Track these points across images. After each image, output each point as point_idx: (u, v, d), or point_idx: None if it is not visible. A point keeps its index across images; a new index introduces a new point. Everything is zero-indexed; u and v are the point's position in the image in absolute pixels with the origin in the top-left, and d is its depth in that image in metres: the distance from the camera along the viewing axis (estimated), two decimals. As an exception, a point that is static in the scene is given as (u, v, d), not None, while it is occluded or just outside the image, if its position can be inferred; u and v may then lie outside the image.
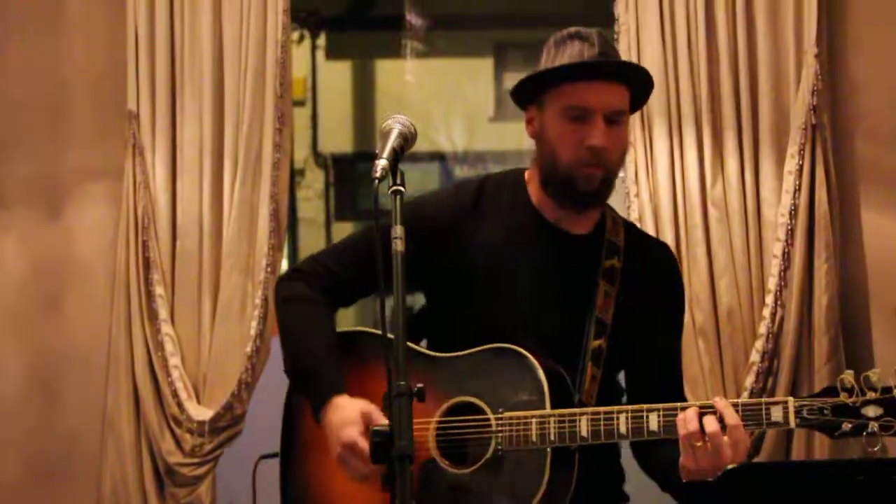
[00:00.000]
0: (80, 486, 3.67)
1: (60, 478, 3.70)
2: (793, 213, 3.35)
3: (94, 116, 3.72)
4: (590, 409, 2.22)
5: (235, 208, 3.54)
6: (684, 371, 3.37)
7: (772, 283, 3.35)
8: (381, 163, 1.99)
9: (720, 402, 2.15)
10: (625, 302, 2.39)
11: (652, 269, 2.45)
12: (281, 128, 3.56)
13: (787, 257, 3.35)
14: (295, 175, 5.70)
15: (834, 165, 3.40)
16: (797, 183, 3.35)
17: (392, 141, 2.04)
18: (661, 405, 2.19)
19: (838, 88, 3.47)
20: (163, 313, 3.53)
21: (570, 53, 2.33)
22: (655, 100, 3.43)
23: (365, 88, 6.51)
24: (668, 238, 3.41)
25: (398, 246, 1.92)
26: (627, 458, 2.47)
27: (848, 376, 2.13)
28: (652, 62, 3.44)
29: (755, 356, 3.36)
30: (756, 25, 3.42)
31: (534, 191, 2.42)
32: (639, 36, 3.46)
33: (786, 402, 2.13)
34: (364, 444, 2.21)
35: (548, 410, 2.22)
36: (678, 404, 2.18)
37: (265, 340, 3.53)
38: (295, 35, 5.34)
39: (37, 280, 3.72)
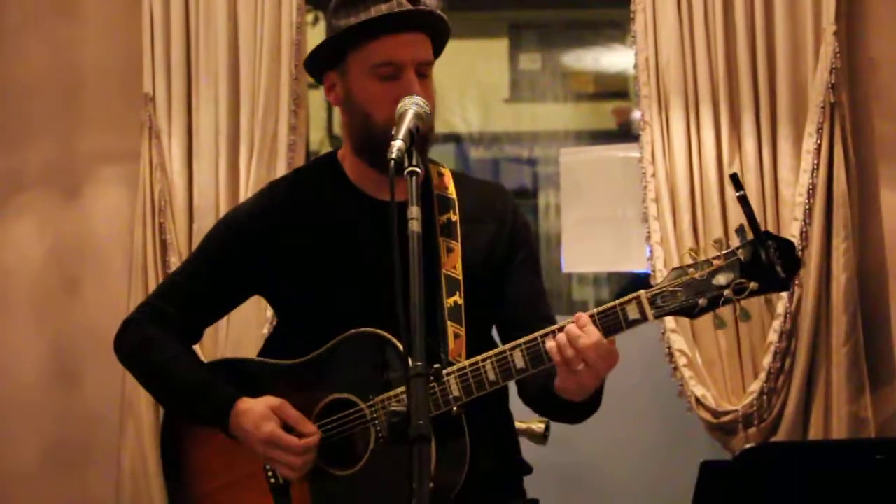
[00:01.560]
0: (99, 469, 3.69)
1: (80, 460, 3.72)
2: (811, 193, 3.34)
3: (110, 100, 3.73)
4: (455, 367, 2.15)
5: (251, 190, 3.54)
6: (702, 351, 3.40)
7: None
8: (398, 144, 1.96)
9: (581, 319, 2.07)
10: (471, 253, 2.30)
11: (490, 214, 2.36)
12: (296, 110, 3.56)
13: (805, 237, 3.34)
14: (310, 157, 5.71)
15: (852, 144, 3.38)
16: (815, 162, 3.34)
17: (407, 122, 2.03)
18: (521, 340, 2.12)
19: (857, 67, 3.45)
20: (180, 296, 3.54)
21: (367, 11, 2.21)
22: (672, 79, 3.42)
23: (380, 70, 6.49)
24: (684, 219, 3.40)
25: (414, 227, 1.89)
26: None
27: (691, 252, 2.07)
28: (669, 41, 3.42)
29: (773, 336, 3.36)
30: (774, 3, 3.39)
31: (350, 167, 2.32)
32: (655, 15, 3.44)
33: (638, 297, 2.06)
34: (286, 435, 2.18)
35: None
36: (536, 334, 2.11)
37: (272, 321, 3.53)
38: (310, 17, 5.33)
39: (55, 263, 3.74)
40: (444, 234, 2.30)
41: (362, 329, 2.21)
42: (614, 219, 3.89)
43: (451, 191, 2.35)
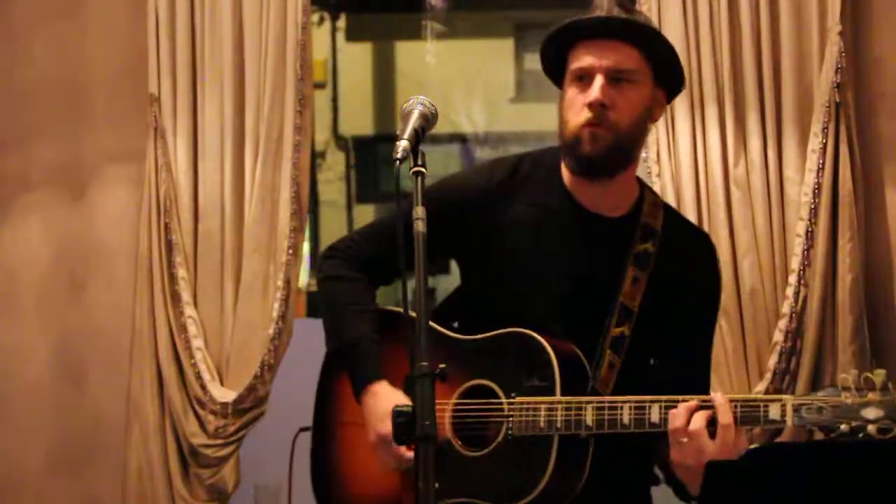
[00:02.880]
0: (105, 468, 3.69)
1: (85, 460, 3.73)
2: (816, 192, 3.33)
3: (116, 100, 3.73)
4: (596, 399, 2.19)
5: (257, 191, 3.55)
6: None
7: (795, 262, 3.34)
8: (403, 144, 1.97)
9: (718, 399, 2.11)
10: (655, 289, 2.32)
11: (688, 258, 2.37)
12: (302, 110, 3.56)
13: (810, 236, 3.33)
14: (316, 157, 5.72)
15: (858, 144, 3.38)
16: (821, 161, 3.33)
17: (413, 122, 2.03)
18: (664, 397, 2.14)
19: (862, 66, 3.44)
20: (185, 296, 3.55)
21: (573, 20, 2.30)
22: (677, 79, 3.41)
23: (385, 70, 6.51)
24: (690, 218, 3.40)
25: (419, 227, 1.91)
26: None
27: (849, 376, 2.09)
28: (674, 40, 3.39)
29: (778, 336, 3.35)
30: (779, 3, 3.39)
31: (566, 172, 2.38)
32: (660, 14, 3.44)
33: (783, 401, 2.09)
34: (398, 447, 2.21)
35: (557, 397, 2.20)
36: (681, 396, 2.14)
37: (287, 322, 3.54)
38: (315, 17, 5.34)
39: (60, 263, 3.75)
40: (635, 262, 2.32)
41: (532, 332, 2.26)
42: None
43: (658, 222, 2.37)
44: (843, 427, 2.07)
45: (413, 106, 2.07)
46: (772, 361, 3.35)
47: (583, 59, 2.27)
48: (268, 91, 3.55)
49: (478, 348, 2.32)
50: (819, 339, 3.35)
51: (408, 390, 1.88)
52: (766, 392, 3.34)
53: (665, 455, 2.22)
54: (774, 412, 2.09)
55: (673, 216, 2.44)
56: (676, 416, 2.11)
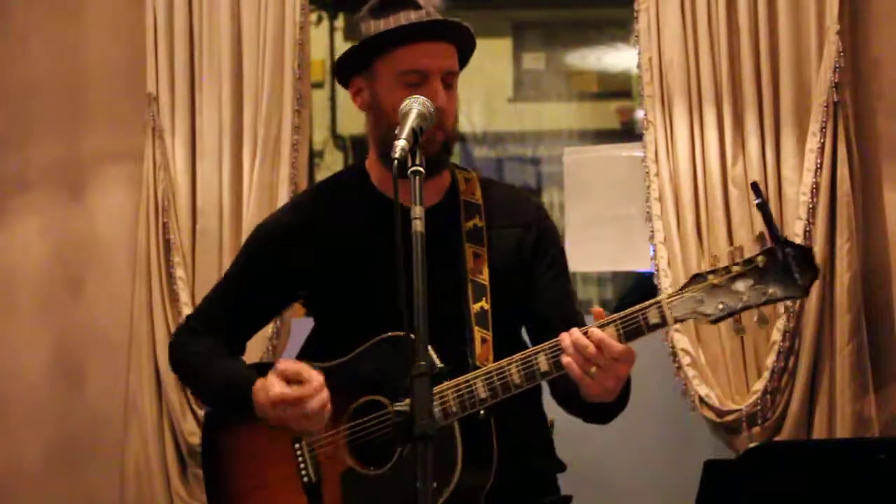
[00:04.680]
0: (103, 468, 3.69)
1: (84, 459, 3.73)
2: (814, 192, 3.34)
3: (114, 100, 3.73)
4: (482, 371, 2.19)
5: (255, 190, 3.55)
6: (705, 350, 3.39)
7: (793, 262, 3.33)
8: (401, 143, 1.98)
9: (594, 327, 2.11)
10: (497, 258, 2.34)
11: (516, 219, 2.40)
12: (300, 109, 3.56)
13: (808, 236, 3.33)
14: (314, 157, 5.71)
15: (856, 143, 3.38)
16: (819, 161, 3.33)
17: (411, 121, 2.04)
18: (545, 344, 2.15)
19: (860, 66, 3.45)
20: (183, 295, 3.55)
21: (397, 18, 2.27)
22: (675, 78, 3.42)
23: (383, 70, 6.49)
24: (688, 218, 3.40)
25: (417, 226, 1.91)
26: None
27: (712, 259, 2.10)
28: (672, 41, 3.42)
29: (776, 335, 3.35)
30: (777, 2, 3.39)
31: (375, 175, 2.37)
32: (658, 14, 3.44)
33: (659, 303, 2.09)
34: (289, 390, 2.21)
35: (444, 384, 2.18)
36: (558, 340, 2.13)
37: (285, 322, 3.54)
38: (313, 17, 5.33)
39: (59, 262, 3.75)
40: (470, 239, 2.35)
41: (392, 333, 2.25)
42: (618, 218, 3.89)
43: (478, 196, 2.39)
44: (720, 307, 2.07)
45: (411, 105, 2.08)
46: (770, 360, 3.36)
47: (419, 62, 2.25)
48: (266, 90, 3.55)
49: (350, 368, 2.30)
50: (817, 338, 3.35)
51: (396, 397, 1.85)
52: (765, 392, 3.34)
53: (569, 392, 2.22)
54: (654, 317, 2.10)
55: (488, 185, 2.43)
56: (575, 356, 2.10)
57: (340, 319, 2.37)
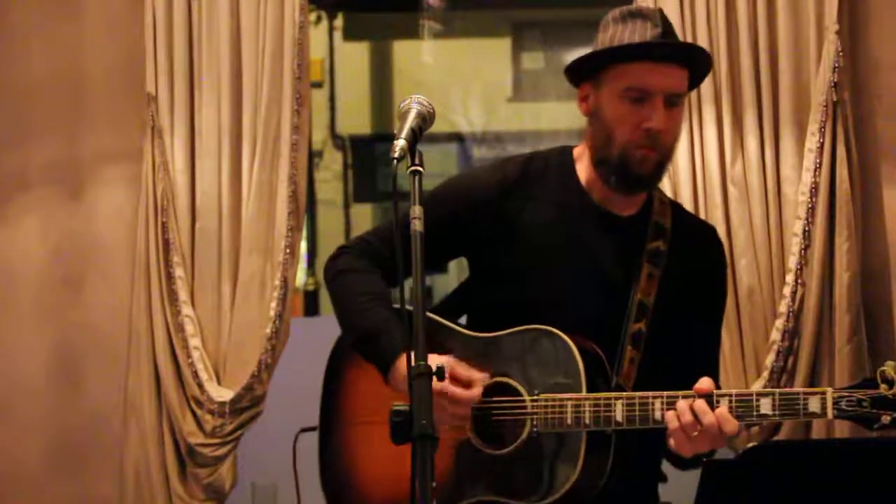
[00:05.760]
0: (102, 468, 3.69)
1: (83, 459, 3.73)
2: (813, 191, 3.34)
3: (113, 100, 3.73)
4: (625, 394, 2.22)
5: (254, 190, 3.55)
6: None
7: (792, 261, 3.34)
8: (400, 143, 1.98)
9: (722, 413, 2.15)
10: (669, 285, 2.37)
11: (698, 253, 2.45)
12: (299, 109, 3.56)
13: (807, 236, 3.33)
14: (313, 157, 5.72)
15: (855, 143, 3.38)
16: (818, 161, 3.33)
17: (410, 121, 2.03)
18: (695, 391, 2.18)
19: (859, 65, 3.45)
20: (183, 295, 3.55)
21: (633, 32, 2.30)
22: (674, 78, 3.42)
23: (382, 69, 6.51)
24: (687, 217, 3.40)
25: (416, 226, 1.91)
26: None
27: (889, 368, 2.11)
28: (671, 40, 3.42)
29: (776, 335, 3.35)
30: (776, 2, 3.39)
31: (582, 170, 2.41)
32: (658, 14, 3.44)
33: (824, 394, 2.12)
34: (449, 386, 2.21)
35: (583, 394, 2.22)
36: (714, 392, 2.17)
37: (285, 322, 3.54)
38: (312, 16, 5.34)
39: (58, 262, 3.74)
40: (649, 259, 2.37)
41: (551, 329, 2.27)
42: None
43: (668, 221, 2.42)
44: (884, 419, 2.09)
45: (410, 105, 2.07)
46: (769, 360, 3.35)
47: (644, 80, 2.29)
48: (265, 90, 3.54)
49: (496, 346, 2.33)
50: (816, 338, 3.35)
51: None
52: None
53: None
54: (815, 405, 2.12)
55: (680, 213, 2.49)
56: (683, 413, 2.16)
57: (503, 294, 2.38)
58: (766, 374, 3.35)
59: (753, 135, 3.39)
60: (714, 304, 2.48)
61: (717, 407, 2.15)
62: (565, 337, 2.25)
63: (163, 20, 3.58)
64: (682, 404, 2.15)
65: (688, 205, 3.40)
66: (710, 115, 3.41)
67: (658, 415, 2.18)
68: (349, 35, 6.35)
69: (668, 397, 2.18)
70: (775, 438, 3.33)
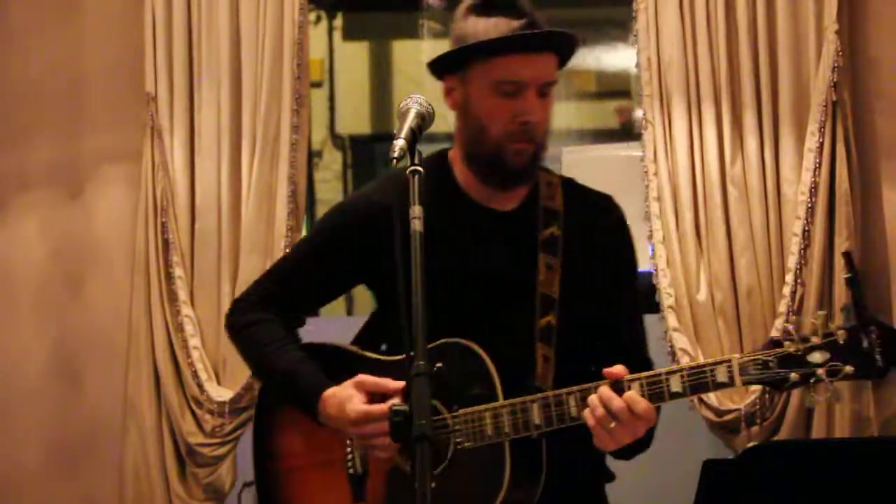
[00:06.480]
0: (102, 467, 3.69)
1: (82, 459, 3.73)
2: (813, 191, 3.34)
3: (112, 100, 3.73)
4: (540, 396, 2.14)
5: (253, 190, 3.55)
6: (704, 349, 3.39)
7: (792, 261, 3.34)
8: (399, 143, 1.97)
9: (631, 397, 2.07)
10: (571, 270, 2.27)
11: (596, 228, 2.32)
12: (298, 109, 3.56)
13: (807, 236, 3.33)
14: (313, 156, 5.70)
15: (855, 143, 3.38)
16: (817, 161, 3.33)
17: (409, 121, 2.02)
18: (608, 381, 2.10)
19: (859, 65, 3.45)
20: (182, 295, 3.55)
21: (497, 23, 2.21)
22: (674, 78, 3.42)
23: (382, 69, 6.50)
24: (686, 218, 3.40)
25: (416, 226, 1.90)
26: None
27: (791, 325, 2.06)
28: (670, 40, 3.42)
29: (774, 334, 3.35)
30: (776, 2, 3.39)
31: (459, 171, 2.31)
32: (657, 14, 3.44)
33: (729, 362, 2.05)
34: (373, 407, 2.17)
35: (500, 402, 2.15)
36: (625, 378, 2.10)
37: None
38: (312, 16, 5.33)
39: (57, 262, 3.75)
40: (545, 249, 2.27)
41: (458, 340, 2.20)
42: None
43: (559, 202, 2.31)
44: (793, 376, 2.02)
45: (410, 105, 2.06)
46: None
47: (516, 72, 2.20)
48: (265, 90, 3.55)
49: (400, 382, 2.23)
50: (816, 337, 3.34)
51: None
52: (764, 392, 3.34)
53: None
54: (722, 375, 2.05)
55: (571, 191, 2.35)
56: (595, 408, 2.08)
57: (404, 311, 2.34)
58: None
59: (753, 135, 3.39)
60: (624, 277, 2.34)
61: (628, 392, 2.08)
62: (475, 347, 2.17)
63: (162, 20, 3.58)
64: (592, 399, 2.08)
65: (687, 205, 3.41)
66: (709, 116, 3.41)
67: (574, 412, 2.11)
68: (349, 35, 6.35)
69: (580, 391, 2.11)
70: (775, 438, 3.33)
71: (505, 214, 2.29)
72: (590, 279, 2.29)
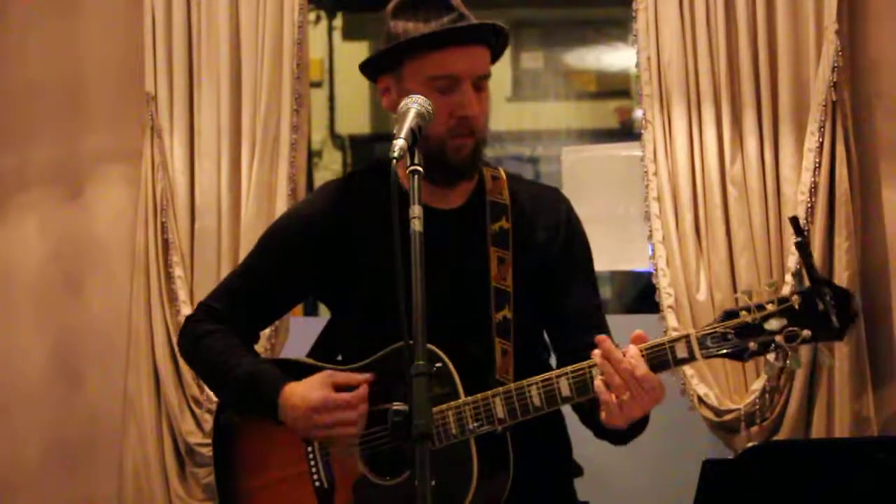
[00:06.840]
0: (101, 467, 3.69)
1: (82, 459, 3.73)
2: (813, 191, 3.34)
3: (112, 99, 3.73)
4: (502, 389, 2.14)
5: (253, 190, 3.55)
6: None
7: (791, 261, 3.34)
8: (399, 143, 1.96)
9: (631, 350, 2.06)
10: (523, 262, 2.27)
11: (545, 220, 2.32)
12: (298, 109, 3.56)
13: (807, 235, 3.33)
14: (312, 156, 5.71)
15: (854, 143, 3.38)
16: (817, 161, 3.33)
17: (409, 121, 2.01)
18: (568, 368, 2.11)
19: (859, 65, 3.45)
20: (182, 294, 3.55)
21: (427, 20, 2.22)
22: (674, 78, 3.42)
23: (382, 69, 6.49)
24: (686, 217, 3.40)
25: (416, 226, 1.89)
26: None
27: (744, 296, 2.05)
28: (670, 40, 3.42)
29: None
30: (776, 2, 3.39)
31: (403, 174, 2.23)
32: (657, 14, 3.44)
33: (688, 336, 2.04)
34: (332, 394, 2.18)
35: (462, 399, 2.15)
36: (585, 364, 2.09)
37: (283, 321, 3.53)
38: (312, 16, 5.33)
39: (57, 262, 3.75)
40: (495, 243, 2.28)
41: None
42: (616, 217, 3.89)
43: (505, 196, 2.32)
44: (752, 346, 2.02)
45: (409, 105, 2.05)
46: (770, 357, 3.34)
47: (450, 67, 2.20)
48: (264, 90, 3.55)
49: (368, 374, 2.25)
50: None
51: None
52: (764, 392, 3.34)
53: (593, 415, 2.17)
54: (681, 351, 2.05)
55: (517, 185, 2.36)
56: (611, 375, 2.05)
57: (357, 318, 2.32)
58: (765, 373, 3.34)
59: (753, 135, 3.39)
60: (577, 265, 2.33)
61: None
62: (433, 347, 2.11)
63: (162, 20, 3.58)
64: (597, 357, 2.06)
65: (687, 204, 3.41)
66: (709, 115, 3.41)
67: (538, 401, 2.10)
68: (348, 35, 6.35)
69: (541, 382, 2.11)
70: (775, 438, 3.33)
71: (452, 212, 2.29)
72: (542, 268, 2.29)
